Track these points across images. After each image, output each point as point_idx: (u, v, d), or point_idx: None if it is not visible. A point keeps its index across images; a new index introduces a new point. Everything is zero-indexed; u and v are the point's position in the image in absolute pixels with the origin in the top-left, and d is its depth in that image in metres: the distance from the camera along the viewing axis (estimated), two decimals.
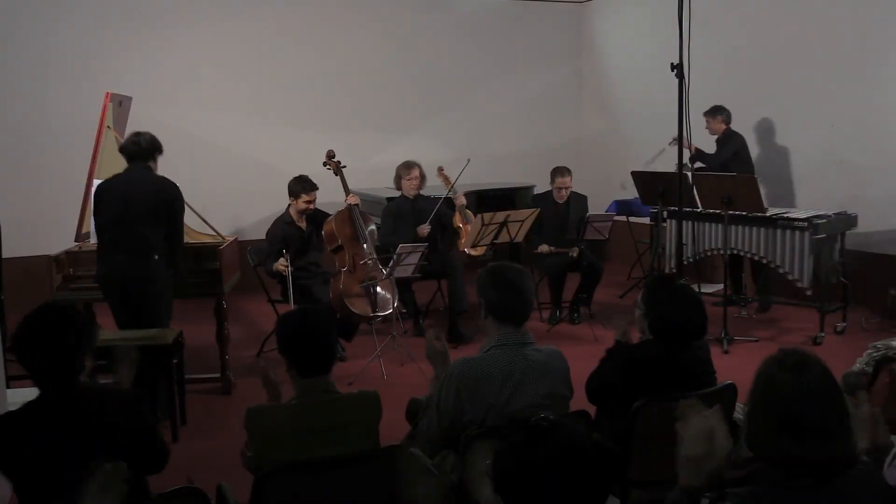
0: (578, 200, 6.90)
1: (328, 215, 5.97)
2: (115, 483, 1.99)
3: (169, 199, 4.63)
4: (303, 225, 5.94)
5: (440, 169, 6.61)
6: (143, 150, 4.65)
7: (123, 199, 4.54)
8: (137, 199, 4.54)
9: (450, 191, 6.51)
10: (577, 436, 1.66)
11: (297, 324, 2.73)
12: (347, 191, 5.99)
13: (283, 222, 5.90)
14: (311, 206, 5.89)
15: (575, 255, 6.55)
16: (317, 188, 5.88)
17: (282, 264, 5.59)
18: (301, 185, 5.84)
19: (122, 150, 4.73)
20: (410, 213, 6.48)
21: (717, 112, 7.04)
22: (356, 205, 5.98)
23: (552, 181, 6.84)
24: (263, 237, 6.00)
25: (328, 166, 6.10)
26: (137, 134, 4.71)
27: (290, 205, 5.93)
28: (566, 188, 6.78)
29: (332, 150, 6.12)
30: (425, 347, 3.12)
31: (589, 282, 6.71)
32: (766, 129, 7.32)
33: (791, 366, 1.79)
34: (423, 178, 6.55)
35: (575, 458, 1.61)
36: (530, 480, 1.60)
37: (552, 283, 6.68)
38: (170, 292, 4.75)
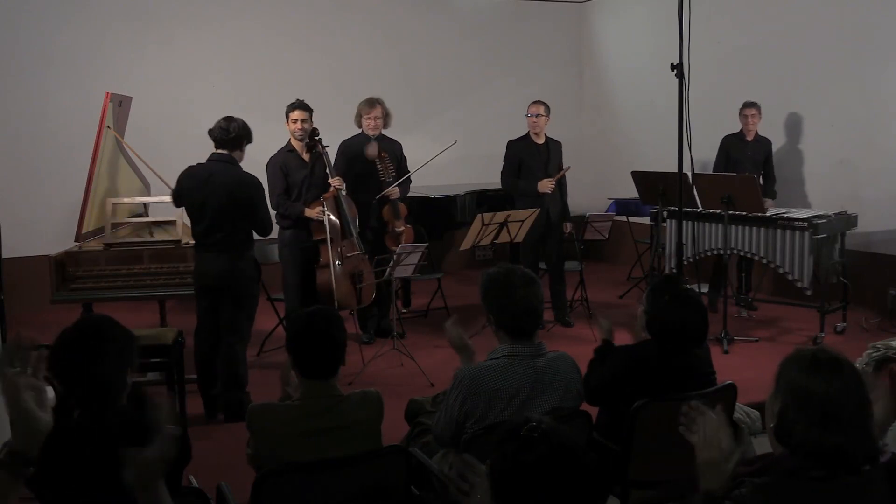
0: (555, 145, 6.61)
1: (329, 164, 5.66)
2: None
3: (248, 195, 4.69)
4: (305, 157, 5.65)
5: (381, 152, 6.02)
6: (230, 137, 4.70)
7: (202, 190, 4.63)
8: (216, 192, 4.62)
9: (400, 181, 6.06)
10: (569, 442, 1.65)
11: (305, 324, 2.65)
12: (332, 174, 5.62)
13: (283, 150, 5.64)
14: (304, 126, 5.55)
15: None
16: (308, 109, 5.59)
17: (315, 209, 5.46)
18: (288, 107, 5.60)
19: (209, 133, 4.74)
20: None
21: (759, 108, 6.83)
22: (341, 189, 5.60)
23: (527, 111, 6.51)
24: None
25: (312, 146, 5.68)
26: (227, 119, 4.74)
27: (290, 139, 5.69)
28: (537, 115, 6.42)
29: (315, 128, 5.67)
30: (447, 339, 3.12)
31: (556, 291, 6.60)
32: (766, 129, 7.31)
33: (827, 365, 1.85)
34: (387, 115, 6.10)
35: (568, 464, 1.61)
36: (524, 488, 1.60)
37: None
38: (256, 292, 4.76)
